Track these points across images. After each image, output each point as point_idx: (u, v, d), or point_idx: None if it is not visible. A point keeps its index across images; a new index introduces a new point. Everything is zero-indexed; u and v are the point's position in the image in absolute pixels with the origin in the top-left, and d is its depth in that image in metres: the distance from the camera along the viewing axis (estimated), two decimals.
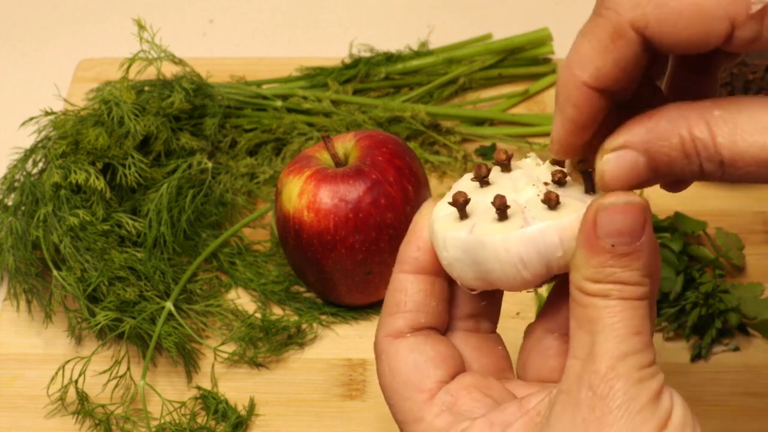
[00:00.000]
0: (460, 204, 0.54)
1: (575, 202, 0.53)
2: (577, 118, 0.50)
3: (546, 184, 0.54)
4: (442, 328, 0.58)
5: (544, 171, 0.56)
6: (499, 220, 0.53)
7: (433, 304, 0.56)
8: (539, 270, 0.53)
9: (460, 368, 0.56)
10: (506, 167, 0.56)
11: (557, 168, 0.55)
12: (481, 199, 0.55)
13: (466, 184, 0.57)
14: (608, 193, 0.50)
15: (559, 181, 0.54)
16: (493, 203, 0.53)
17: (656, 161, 0.50)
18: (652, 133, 0.49)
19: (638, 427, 0.49)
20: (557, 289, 0.57)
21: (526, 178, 0.55)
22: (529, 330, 0.58)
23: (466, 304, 0.58)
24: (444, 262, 0.55)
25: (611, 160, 0.50)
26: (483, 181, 0.56)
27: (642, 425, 0.49)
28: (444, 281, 0.57)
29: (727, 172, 0.48)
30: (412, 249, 0.56)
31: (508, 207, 0.53)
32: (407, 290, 0.56)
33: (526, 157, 0.57)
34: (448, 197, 0.55)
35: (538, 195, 0.54)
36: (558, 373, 0.55)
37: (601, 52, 0.48)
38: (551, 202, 0.52)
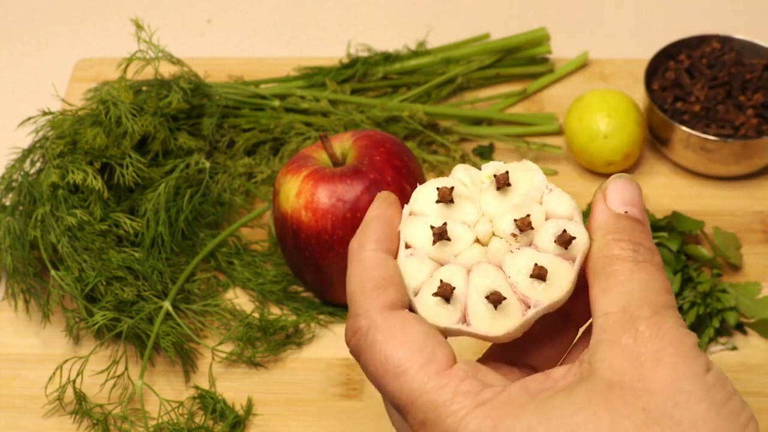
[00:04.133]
0: (448, 293, 0.54)
1: (562, 268, 0.54)
2: None
3: (514, 235, 0.55)
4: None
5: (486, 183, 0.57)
6: (494, 308, 0.54)
7: (403, 284, 0.56)
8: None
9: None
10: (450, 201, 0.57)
11: (521, 217, 0.55)
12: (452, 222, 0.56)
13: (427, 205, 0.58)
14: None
15: (526, 228, 0.55)
16: (488, 298, 0.53)
17: None
18: None
19: (693, 361, 0.50)
20: None
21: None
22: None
23: None
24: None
25: None
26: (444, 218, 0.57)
27: (694, 362, 0.50)
28: None
29: None
30: (385, 230, 0.58)
31: (504, 299, 0.54)
32: (388, 266, 0.56)
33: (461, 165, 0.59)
34: (422, 223, 0.57)
35: (509, 239, 0.55)
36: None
37: None
38: (542, 277, 0.54)
